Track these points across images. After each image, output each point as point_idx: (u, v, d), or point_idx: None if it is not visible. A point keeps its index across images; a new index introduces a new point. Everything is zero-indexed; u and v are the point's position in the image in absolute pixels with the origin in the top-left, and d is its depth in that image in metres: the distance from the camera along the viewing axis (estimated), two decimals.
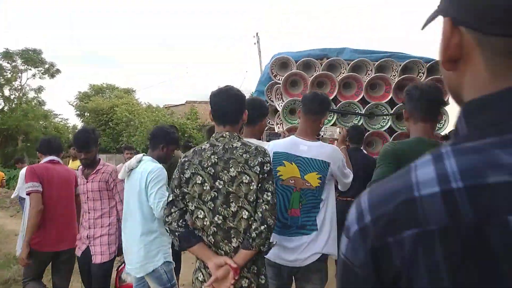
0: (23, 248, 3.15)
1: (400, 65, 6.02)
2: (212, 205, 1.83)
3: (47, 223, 3.31)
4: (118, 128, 23.84)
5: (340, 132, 2.80)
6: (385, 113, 5.97)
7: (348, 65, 6.06)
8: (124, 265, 3.01)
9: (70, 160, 6.57)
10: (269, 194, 1.83)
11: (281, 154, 2.36)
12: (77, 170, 3.49)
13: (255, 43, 21.70)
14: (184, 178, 1.88)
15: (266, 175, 1.84)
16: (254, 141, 2.04)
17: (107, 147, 24.52)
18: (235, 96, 1.95)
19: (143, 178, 2.78)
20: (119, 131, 23.84)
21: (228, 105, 1.92)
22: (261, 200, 1.82)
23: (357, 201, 0.62)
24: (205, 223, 1.85)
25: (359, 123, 5.92)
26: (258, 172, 1.81)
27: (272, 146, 2.41)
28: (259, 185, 1.82)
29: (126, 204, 2.90)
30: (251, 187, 1.81)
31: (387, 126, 5.96)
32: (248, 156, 1.83)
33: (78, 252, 3.30)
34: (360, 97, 5.91)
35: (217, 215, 1.82)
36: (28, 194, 3.28)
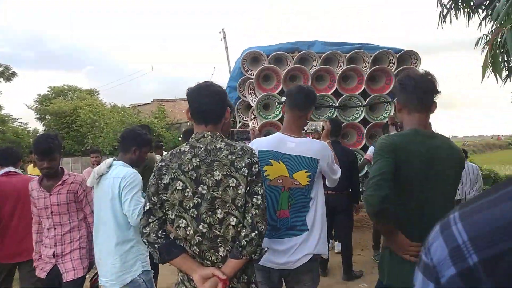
0: None
1: (371, 56, 6.04)
2: (196, 212, 1.67)
3: (3, 237, 3.26)
4: (82, 130, 22.93)
5: (323, 126, 2.69)
6: (358, 104, 5.98)
7: (320, 57, 6.03)
8: (98, 276, 2.81)
9: (31, 166, 6.07)
10: (259, 197, 1.68)
11: (268, 152, 2.22)
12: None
13: (221, 39, 21.40)
14: (162, 184, 1.69)
15: (255, 177, 1.68)
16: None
17: (71, 150, 23.54)
18: (216, 92, 1.76)
19: (115, 184, 2.57)
20: (84, 133, 22.94)
21: (209, 102, 1.73)
22: (250, 205, 1.67)
23: (443, 228, 0.48)
24: (188, 232, 1.68)
25: (333, 116, 5.90)
26: (246, 174, 1.66)
27: (256, 145, 2.26)
28: (248, 188, 1.67)
29: (97, 213, 2.67)
30: (239, 191, 1.65)
31: (361, 117, 5.98)
32: (234, 157, 1.67)
33: (41, 274, 2.95)
34: (334, 89, 5.89)
35: (202, 223, 1.66)
36: None
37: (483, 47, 5.57)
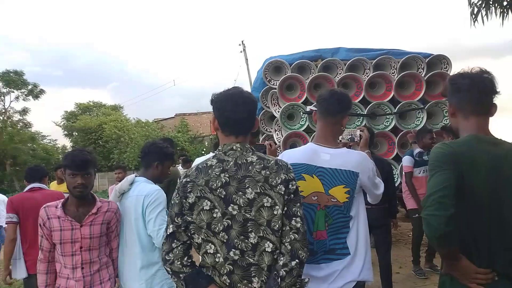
0: (3, 271, 3.42)
1: (398, 62, 5.78)
2: (226, 236, 1.47)
3: (29, 250, 3.37)
4: (108, 146, 23.37)
5: (360, 134, 2.45)
6: (388, 112, 5.70)
7: (345, 65, 5.80)
8: None
9: (55, 183, 5.96)
10: (298, 219, 1.47)
11: (299, 166, 1.98)
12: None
13: (241, 51, 21.53)
14: (187, 204, 1.51)
15: (292, 195, 1.48)
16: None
17: (98, 166, 24.04)
18: (248, 99, 1.57)
19: (139, 202, 2.41)
20: (109, 148, 23.38)
21: (240, 111, 1.54)
22: (288, 228, 1.46)
23: None
24: (217, 259, 1.48)
25: (362, 125, 5.64)
26: (282, 192, 1.45)
27: (286, 158, 2.02)
28: (285, 209, 1.46)
29: (120, 234, 2.55)
30: (275, 212, 1.45)
31: (392, 125, 5.68)
32: (268, 172, 1.47)
33: None
34: (361, 97, 5.64)
35: (233, 249, 1.46)
36: (6, 223, 3.43)
37: None
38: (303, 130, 5.66)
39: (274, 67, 6.08)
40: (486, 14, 5.02)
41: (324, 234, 1.95)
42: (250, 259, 1.46)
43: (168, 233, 1.56)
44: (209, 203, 1.48)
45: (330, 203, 1.96)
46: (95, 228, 2.36)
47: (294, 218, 1.46)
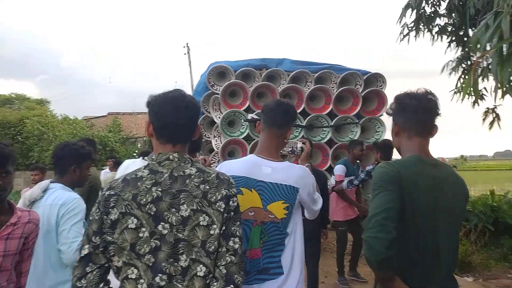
0: None
1: (338, 77, 6.03)
2: (152, 259, 1.29)
3: None
4: (28, 142, 21.39)
5: (302, 147, 2.44)
6: (325, 124, 5.91)
7: (288, 76, 5.92)
8: None
9: None
10: (237, 240, 1.35)
11: (238, 179, 1.85)
12: None
13: (185, 54, 21.16)
14: (109, 221, 1.30)
15: (232, 213, 1.36)
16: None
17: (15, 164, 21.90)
18: (190, 104, 1.41)
19: (53, 213, 2.11)
20: (30, 145, 21.42)
21: (181, 116, 1.38)
22: (225, 249, 1.33)
23: None
24: (139, 286, 1.29)
25: (300, 135, 5.78)
26: (222, 210, 1.33)
27: (225, 169, 1.86)
28: (223, 228, 1.33)
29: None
30: (212, 232, 1.31)
31: (327, 138, 5.90)
32: (207, 187, 1.34)
33: None
34: (301, 108, 5.77)
35: (160, 274, 1.28)
36: None
37: (450, 72, 5.73)
38: (242, 138, 5.65)
39: (218, 72, 6.01)
40: (415, 37, 5.40)
41: (258, 252, 1.86)
42: (178, 285, 1.30)
43: (82, 255, 1.34)
44: (135, 220, 1.30)
45: (267, 219, 1.87)
46: (12, 244, 1.83)
47: (232, 239, 1.35)
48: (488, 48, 2.76)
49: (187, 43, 21.24)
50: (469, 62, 5.58)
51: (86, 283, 1.31)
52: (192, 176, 1.36)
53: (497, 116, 5.04)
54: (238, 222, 1.39)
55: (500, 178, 22.41)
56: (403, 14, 5.12)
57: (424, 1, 5.01)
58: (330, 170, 5.90)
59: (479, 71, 2.47)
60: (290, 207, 1.90)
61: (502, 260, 5.70)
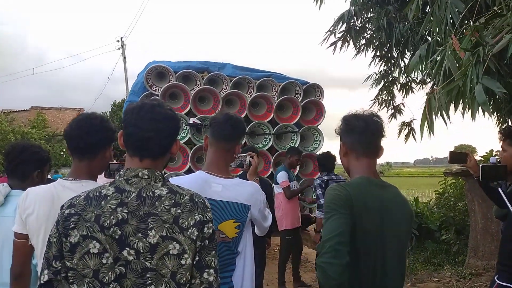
0: None
1: (279, 85, 6.08)
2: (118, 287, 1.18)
3: None
4: None
5: (250, 161, 2.37)
6: (267, 132, 5.92)
7: (231, 81, 5.84)
8: None
9: None
10: (212, 271, 1.24)
11: None
12: None
13: (119, 48, 20.17)
14: (68, 244, 1.17)
15: (207, 241, 1.25)
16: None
17: None
18: (158, 116, 1.29)
19: None
20: None
21: (145, 128, 1.26)
22: (199, 282, 1.22)
23: None
24: None
25: (242, 142, 5.72)
26: (194, 237, 1.21)
27: None
28: (196, 258, 1.22)
29: None
30: (183, 262, 1.19)
31: (269, 145, 5.91)
32: (179, 211, 1.22)
33: None
34: (244, 115, 5.72)
35: None
36: None
37: (372, 84, 6.09)
38: (184, 143, 5.45)
39: (157, 72, 5.75)
40: (341, 47, 5.65)
41: None
42: None
43: (42, 282, 1.19)
44: (97, 245, 1.16)
45: (218, 239, 1.78)
46: None
47: (206, 270, 1.23)
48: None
49: (121, 37, 20.24)
50: (390, 78, 6.01)
51: None
52: (163, 198, 1.22)
53: (412, 129, 5.49)
54: (213, 252, 1.26)
55: (421, 185, 24.40)
56: (335, 25, 5.30)
57: (355, 17, 5.25)
58: (272, 176, 5.94)
59: (433, 107, 2.64)
60: (241, 226, 1.85)
61: (427, 263, 6.11)
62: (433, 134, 2.77)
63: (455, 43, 2.54)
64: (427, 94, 3.06)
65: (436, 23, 3.11)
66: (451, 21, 2.98)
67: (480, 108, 2.41)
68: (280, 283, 4.90)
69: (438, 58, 2.77)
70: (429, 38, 3.86)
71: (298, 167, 5.64)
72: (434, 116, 2.68)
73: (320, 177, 5.01)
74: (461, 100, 2.59)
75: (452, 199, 7.03)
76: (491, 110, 3.02)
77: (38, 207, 1.61)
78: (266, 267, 5.77)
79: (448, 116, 2.70)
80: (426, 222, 7.11)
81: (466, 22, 2.96)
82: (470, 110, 2.52)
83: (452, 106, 2.67)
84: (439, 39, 3.18)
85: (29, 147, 2.20)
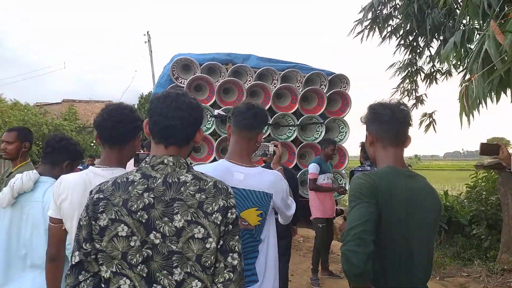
0: None
1: (304, 76, 6.02)
2: (146, 270, 1.22)
3: None
4: None
5: (274, 150, 2.37)
6: (291, 123, 5.88)
7: (255, 72, 5.83)
8: None
9: None
10: (235, 256, 1.27)
11: None
12: None
13: (145, 42, 20.50)
14: (97, 227, 1.22)
15: (231, 226, 1.27)
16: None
17: None
18: (183, 105, 1.32)
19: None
20: None
21: (170, 116, 1.30)
22: (223, 265, 1.25)
23: None
24: None
25: (266, 134, 5.72)
26: (218, 222, 1.24)
27: None
28: (220, 242, 1.25)
29: (11, 247, 1.98)
30: (208, 246, 1.23)
31: (293, 136, 5.88)
32: (203, 196, 1.25)
33: None
34: (268, 106, 5.71)
35: (154, 285, 1.22)
36: None
37: (395, 73, 5.96)
38: (209, 134, 5.51)
39: (182, 64, 5.81)
40: (367, 36, 5.52)
41: None
42: None
43: (73, 263, 1.24)
44: (125, 228, 1.20)
45: (241, 227, 1.81)
46: None
47: (230, 254, 1.26)
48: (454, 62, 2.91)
49: (147, 31, 20.53)
50: (414, 68, 5.82)
51: None
52: (188, 184, 1.26)
53: (434, 121, 5.33)
54: (237, 237, 1.29)
55: (451, 178, 23.69)
56: (365, 15, 5.18)
57: (381, 4, 5.12)
58: (296, 168, 5.92)
59: (471, 94, 2.54)
60: (264, 214, 1.85)
61: (456, 258, 5.96)
62: (473, 118, 2.66)
63: (495, 28, 2.42)
64: (462, 81, 2.94)
65: (472, 9, 2.97)
66: (487, 6, 2.85)
67: None
68: (314, 270, 4.90)
69: (474, 45, 2.65)
70: (462, 26, 3.71)
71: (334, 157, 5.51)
72: (471, 104, 2.58)
73: (359, 167, 4.89)
74: (507, 88, 2.48)
75: (484, 192, 6.81)
76: None
77: (71, 193, 1.67)
78: (291, 258, 5.80)
79: (486, 105, 2.60)
80: (456, 216, 6.92)
81: (506, 6, 2.81)
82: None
83: (493, 96, 2.57)
84: (476, 26, 3.04)
85: (67, 138, 2.30)
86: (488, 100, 2.61)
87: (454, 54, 3.06)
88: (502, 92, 2.57)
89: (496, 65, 2.38)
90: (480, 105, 2.60)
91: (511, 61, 2.28)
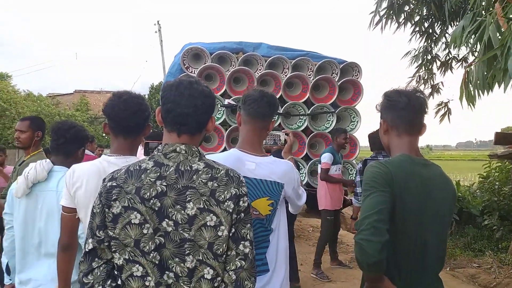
0: None
1: (315, 65, 5.96)
2: (158, 257, 1.23)
3: None
4: None
5: (285, 139, 2.36)
6: (302, 113, 5.85)
7: (265, 61, 5.79)
8: None
9: None
10: (247, 244, 1.27)
11: None
12: None
13: (156, 32, 20.49)
14: (111, 215, 1.23)
15: (242, 214, 1.28)
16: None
17: None
18: (196, 92, 1.31)
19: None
20: None
21: (183, 104, 1.29)
22: (235, 253, 1.26)
23: None
24: (147, 283, 1.23)
25: (277, 123, 5.70)
26: (230, 210, 1.24)
27: None
28: (232, 230, 1.26)
29: (27, 236, 2.02)
30: (220, 233, 1.24)
31: (304, 126, 5.85)
32: (216, 185, 1.25)
33: None
34: (278, 95, 5.68)
35: (167, 272, 1.23)
36: None
37: (411, 61, 5.88)
38: (219, 124, 5.52)
39: (193, 54, 5.80)
40: (385, 25, 5.43)
41: None
42: (185, 287, 1.23)
43: (87, 250, 1.26)
44: (138, 216, 1.22)
45: (252, 216, 1.84)
46: None
47: (242, 242, 1.27)
48: (463, 48, 2.86)
49: (158, 21, 20.52)
50: (429, 56, 5.72)
51: (93, 279, 1.25)
52: (200, 172, 1.27)
53: (449, 110, 5.24)
54: (249, 225, 1.31)
55: (463, 168, 23.40)
56: (379, 4, 5.09)
57: None
58: (307, 158, 5.91)
59: (471, 79, 2.50)
60: (275, 203, 1.85)
61: (467, 249, 5.92)
62: (474, 106, 2.62)
63: (499, 12, 2.37)
64: (465, 67, 2.91)
65: None
66: None
67: None
68: (316, 265, 4.87)
69: (475, 26, 2.60)
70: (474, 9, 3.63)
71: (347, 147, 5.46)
72: (471, 88, 2.54)
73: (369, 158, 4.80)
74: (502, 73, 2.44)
75: (497, 183, 6.72)
76: None
77: (86, 182, 1.69)
78: (300, 247, 5.83)
79: (488, 90, 2.55)
80: (468, 206, 6.85)
81: None
82: (503, 82, 2.37)
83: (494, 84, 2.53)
84: (483, 9, 2.97)
85: (75, 126, 2.30)
86: (499, 87, 2.56)
87: (463, 38, 3.00)
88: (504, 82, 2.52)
89: (497, 51, 2.34)
90: (480, 91, 2.56)
91: (507, 44, 2.22)
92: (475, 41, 2.63)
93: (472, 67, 2.53)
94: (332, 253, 5.15)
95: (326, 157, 4.78)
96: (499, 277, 4.74)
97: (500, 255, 5.37)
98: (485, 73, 2.44)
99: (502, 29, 2.37)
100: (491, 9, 2.60)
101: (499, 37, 2.37)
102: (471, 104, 2.63)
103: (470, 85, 2.55)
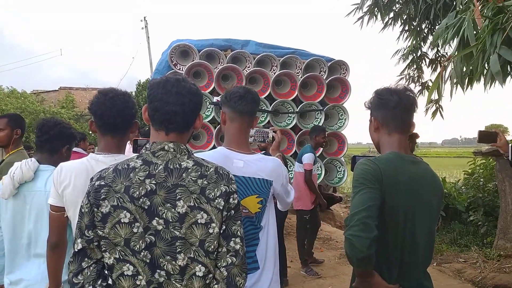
0: None
1: (303, 63, 5.97)
2: (149, 256, 1.22)
3: None
4: None
5: (273, 136, 2.35)
6: (290, 110, 5.86)
7: (254, 59, 5.78)
8: None
9: None
10: (238, 240, 1.28)
11: None
12: None
13: (143, 28, 20.30)
14: (100, 214, 1.22)
15: (233, 211, 1.29)
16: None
17: None
18: (183, 90, 1.30)
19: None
20: None
21: (171, 102, 1.28)
22: (225, 250, 1.26)
23: None
24: (138, 282, 1.22)
25: (266, 121, 5.70)
26: (221, 207, 1.25)
27: None
28: (223, 227, 1.27)
29: (15, 237, 1.98)
30: (211, 231, 1.24)
31: (293, 124, 5.86)
32: (205, 182, 1.25)
33: None
34: (267, 93, 5.67)
35: (158, 270, 1.23)
36: None
37: (401, 59, 5.95)
38: (208, 121, 5.49)
39: (181, 51, 5.75)
40: (368, 22, 5.48)
41: None
42: (177, 284, 1.23)
43: (76, 250, 1.25)
44: (128, 215, 1.20)
45: (242, 215, 1.84)
46: None
47: (233, 239, 1.28)
48: (447, 47, 2.93)
49: (144, 17, 20.33)
50: (419, 53, 5.78)
51: (83, 279, 1.24)
52: (189, 170, 1.27)
53: (440, 107, 5.32)
54: (239, 221, 1.32)
55: (449, 165, 23.79)
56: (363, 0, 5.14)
57: None
58: (295, 155, 5.92)
59: (446, 74, 2.54)
60: (264, 201, 1.85)
61: (453, 244, 6.02)
62: (440, 96, 2.71)
63: (477, 10, 2.41)
64: (443, 61, 3.00)
65: None
66: None
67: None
68: (304, 262, 4.91)
69: (452, 22, 2.66)
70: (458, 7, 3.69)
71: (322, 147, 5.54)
72: (449, 83, 2.60)
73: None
74: (478, 70, 2.49)
75: (481, 179, 6.85)
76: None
77: (74, 180, 1.67)
78: (289, 244, 5.85)
79: (465, 86, 2.61)
80: (453, 203, 6.97)
81: None
82: (484, 80, 2.42)
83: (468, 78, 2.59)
84: (466, 8, 3.03)
85: (60, 122, 2.24)
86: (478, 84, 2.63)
87: (446, 36, 3.04)
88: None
89: (473, 49, 2.38)
90: (456, 84, 2.62)
91: (482, 42, 2.26)
92: (451, 37, 2.68)
93: (450, 62, 2.58)
94: (308, 250, 5.16)
95: (309, 158, 4.75)
96: (484, 271, 4.84)
97: (485, 250, 5.48)
98: (464, 69, 2.49)
99: (478, 27, 2.41)
100: (471, 6, 2.64)
101: (475, 33, 2.41)
102: (439, 95, 2.71)
103: (449, 80, 2.60)
